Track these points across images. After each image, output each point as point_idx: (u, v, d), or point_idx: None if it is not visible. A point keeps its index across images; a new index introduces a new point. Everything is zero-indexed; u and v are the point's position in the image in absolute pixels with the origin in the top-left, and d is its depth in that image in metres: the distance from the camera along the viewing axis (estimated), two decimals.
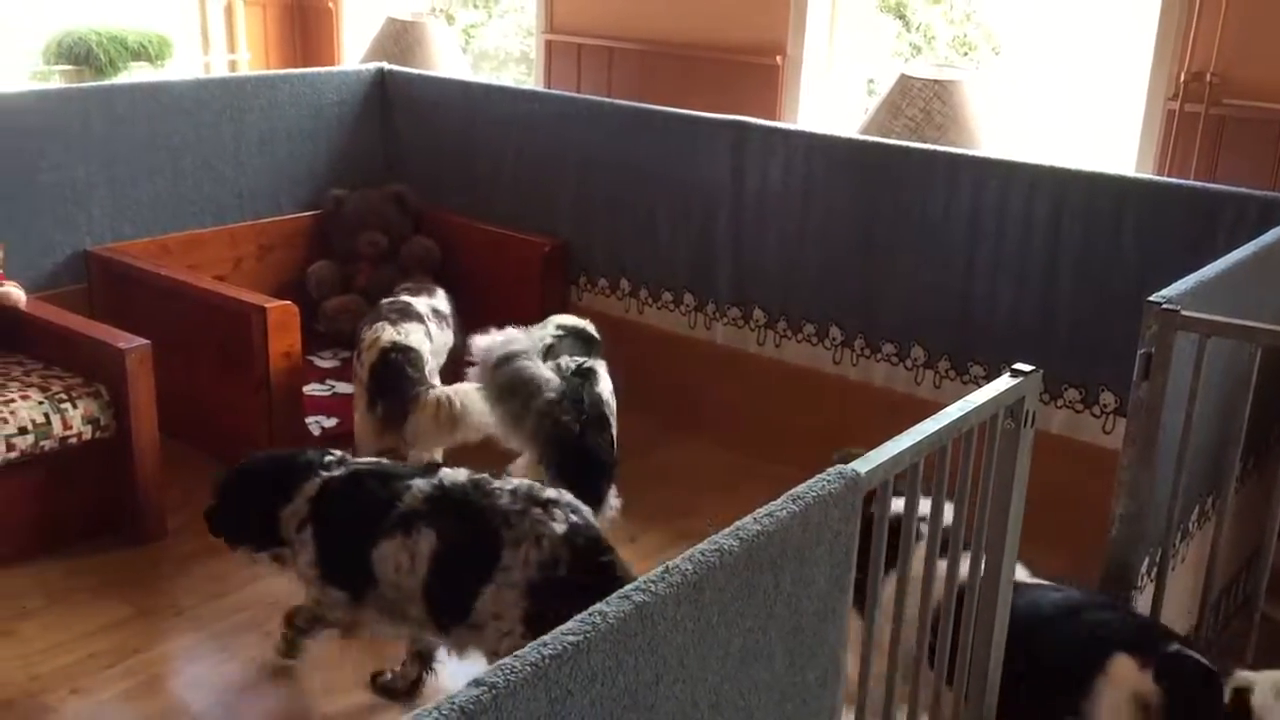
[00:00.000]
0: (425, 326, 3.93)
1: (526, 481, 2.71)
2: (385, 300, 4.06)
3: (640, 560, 3.50)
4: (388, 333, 3.73)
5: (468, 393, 3.50)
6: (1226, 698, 2.07)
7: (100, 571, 3.36)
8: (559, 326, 3.72)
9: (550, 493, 2.62)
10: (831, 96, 4.83)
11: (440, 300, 4.21)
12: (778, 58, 4.57)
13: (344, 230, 4.79)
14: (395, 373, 3.62)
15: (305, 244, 4.82)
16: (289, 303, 3.82)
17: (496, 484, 2.66)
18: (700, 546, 1.44)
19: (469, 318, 4.81)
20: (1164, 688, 2.06)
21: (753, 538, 1.48)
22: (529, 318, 4.61)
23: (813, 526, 1.57)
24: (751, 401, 4.24)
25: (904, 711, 2.03)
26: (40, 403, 3.30)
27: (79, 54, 4.97)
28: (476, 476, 2.71)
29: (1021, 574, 2.29)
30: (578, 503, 2.64)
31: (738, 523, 1.50)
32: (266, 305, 3.73)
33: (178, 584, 3.31)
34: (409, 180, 4.98)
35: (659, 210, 4.37)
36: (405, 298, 4.06)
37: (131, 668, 2.95)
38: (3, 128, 3.97)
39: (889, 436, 1.78)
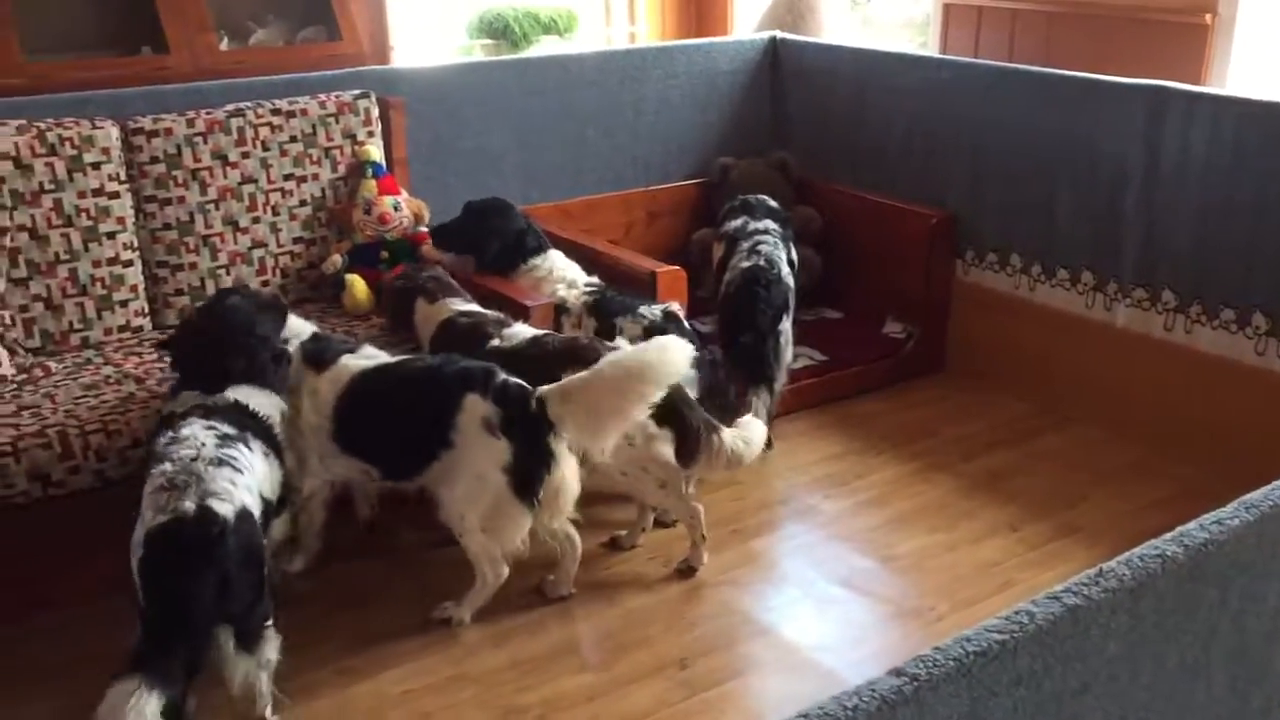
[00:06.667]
0: None
1: None
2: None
3: (1025, 550, 3.36)
4: None
5: None
6: None
7: None
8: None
9: None
10: (1268, 59, 4.33)
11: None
12: (1207, 16, 4.15)
13: (728, 198, 4.85)
14: None
15: (690, 211, 4.93)
16: (678, 267, 3.93)
17: None
18: (1139, 551, 1.33)
19: (850, 289, 4.80)
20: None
21: (1199, 546, 1.35)
22: (912, 291, 4.53)
23: (1268, 539, 1.41)
24: (1153, 391, 3.92)
25: None
26: None
27: (498, 29, 5.35)
28: None
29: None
30: None
31: (1181, 528, 1.37)
32: (657, 269, 3.86)
33: None
34: (794, 149, 4.98)
35: (1059, 182, 4.11)
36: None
37: None
38: (435, 98, 4.33)
39: None
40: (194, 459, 2.45)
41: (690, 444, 3.10)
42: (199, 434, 2.55)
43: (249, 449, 2.61)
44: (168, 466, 2.44)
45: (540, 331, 3.33)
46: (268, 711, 2.52)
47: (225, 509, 2.36)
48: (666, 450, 3.10)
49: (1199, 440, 3.78)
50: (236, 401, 2.76)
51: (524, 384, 2.87)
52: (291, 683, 2.72)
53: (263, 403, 2.83)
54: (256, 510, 2.49)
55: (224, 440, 2.56)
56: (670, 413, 3.07)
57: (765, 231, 4.14)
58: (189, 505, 2.34)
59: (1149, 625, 1.32)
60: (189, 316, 3.26)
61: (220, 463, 2.47)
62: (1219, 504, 1.47)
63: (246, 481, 2.49)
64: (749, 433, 3.18)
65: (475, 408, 2.84)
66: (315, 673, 2.82)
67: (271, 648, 2.46)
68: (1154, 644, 1.33)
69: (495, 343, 3.20)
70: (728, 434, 3.13)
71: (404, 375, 2.99)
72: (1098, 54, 4.34)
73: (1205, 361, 3.78)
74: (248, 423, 2.69)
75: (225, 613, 2.33)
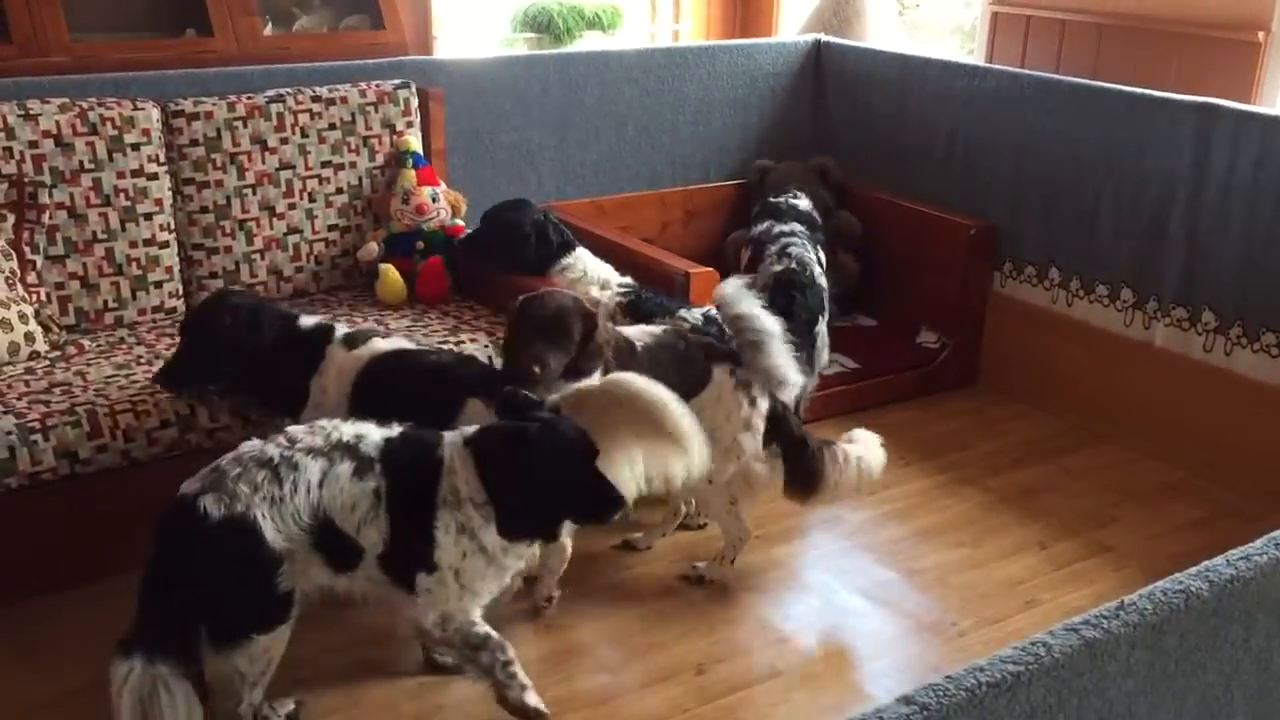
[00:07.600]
0: None
1: None
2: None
3: (1052, 569, 3.31)
4: None
5: None
6: None
7: None
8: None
9: None
10: None
11: None
12: (1260, 34, 4.07)
13: (760, 201, 4.82)
14: None
15: (728, 212, 4.90)
16: (711, 269, 3.90)
17: None
18: (1162, 585, 1.30)
19: (886, 296, 4.76)
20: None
21: (1225, 583, 1.31)
22: (948, 301, 4.48)
23: None
24: (1190, 412, 3.86)
25: None
26: (485, 346, 3.59)
27: (541, 23, 5.34)
28: None
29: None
30: None
31: (1207, 563, 1.34)
32: (690, 270, 3.83)
33: None
34: (835, 154, 4.93)
35: (1103, 196, 4.05)
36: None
37: None
38: (475, 90, 4.32)
39: None
40: (257, 453, 2.41)
41: (810, 467, 3.05)
42: (335, 428, 2.49)
43: (334, 464, 2.42)
44: (245, 447, 2.45)
45: (659, 329, 3.24)
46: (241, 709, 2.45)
47: (214, 509, 2.32)
48: (762, 476, 3.09)
49: (1235, 463, 3.72)
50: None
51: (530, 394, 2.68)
52: (305, 671, 2.73)
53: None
54: (276, 527, 2.35)
55: (319, 447, 2.44)
56: (782, 438, 3.08)
57: (792, 234, 4.13)
58: (190, 489, 2.37)
59: (1170, 662, 1.29)
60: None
61: (265, 464, 2.38)
62: (1253, 528, 1.43)
63: (274, 494, 2.36)
64: (867, 445, 3.17)
65: (475, 412, 2.74)
66: (330, 663, 2.82)
67: (245, 658, 2.37)
68: (1174, 681, 1.30)
69: None
70: (847, 447, 3.13)
71: (412, 370, 2.91)
72: (1147, 68, 4.28)
73: (1244, 384, 3.72)
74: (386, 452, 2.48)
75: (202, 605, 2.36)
